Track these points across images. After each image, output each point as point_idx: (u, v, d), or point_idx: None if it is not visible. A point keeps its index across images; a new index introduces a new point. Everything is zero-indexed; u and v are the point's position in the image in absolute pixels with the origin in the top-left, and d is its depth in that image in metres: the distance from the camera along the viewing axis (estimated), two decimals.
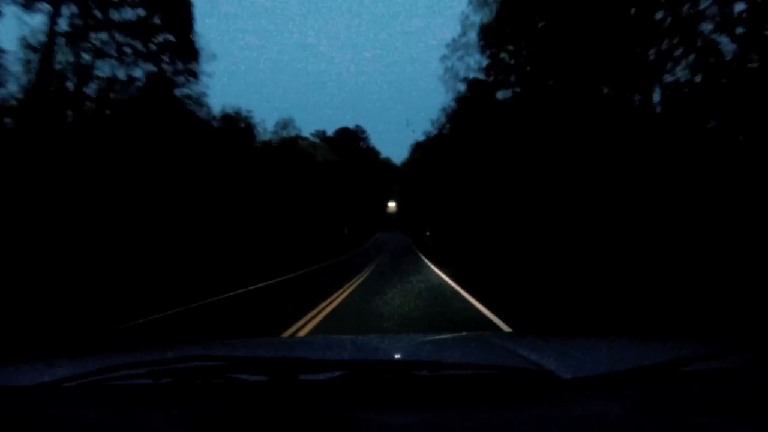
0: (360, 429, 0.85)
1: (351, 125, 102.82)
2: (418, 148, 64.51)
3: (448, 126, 37.98)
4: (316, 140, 71.96)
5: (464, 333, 2.52)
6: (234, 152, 29.13)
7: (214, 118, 29.66)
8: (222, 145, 28.25)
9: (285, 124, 47.62)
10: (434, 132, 42.12)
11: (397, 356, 1.66)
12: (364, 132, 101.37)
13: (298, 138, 59.58)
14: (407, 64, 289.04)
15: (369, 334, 6.39)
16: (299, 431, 0.87)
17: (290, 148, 45.54)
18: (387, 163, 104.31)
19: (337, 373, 1.03)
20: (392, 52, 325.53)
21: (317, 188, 47.46)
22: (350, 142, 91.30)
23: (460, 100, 32.01)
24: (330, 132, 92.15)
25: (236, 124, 34.33)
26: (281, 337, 5.71)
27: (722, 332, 5.77)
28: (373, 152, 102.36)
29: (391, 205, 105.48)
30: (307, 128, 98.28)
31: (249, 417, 0.91)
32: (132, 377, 1.08)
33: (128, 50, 19.42)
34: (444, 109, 39.65)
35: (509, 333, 5.65)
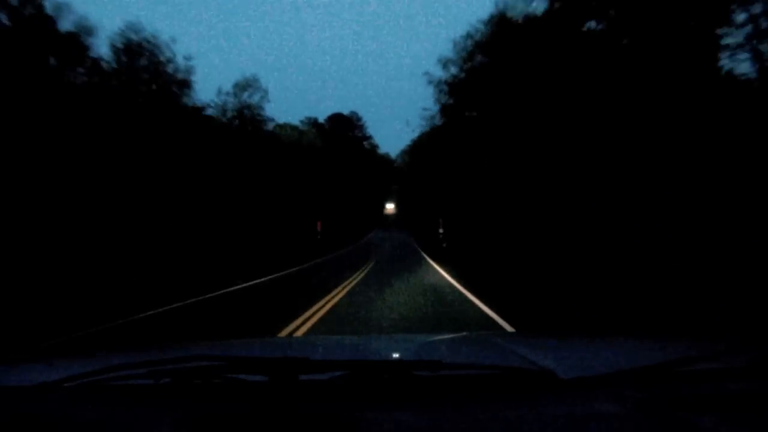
0: (360, 429, 0.85)
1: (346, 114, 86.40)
2: (418, 141, 52.94)
3: (478, 59, 23.78)
4: (305, 127, 60.22)
5: (464, 333, 2.53)
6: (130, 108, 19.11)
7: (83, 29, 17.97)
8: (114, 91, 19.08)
9: (246, 84, 33.81)
10: (459, 58, 25.93)
11: (397, 356, 1.66)
12: (359, 119, 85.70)
13: (287, 126, 49.82)
14: (408, 62, 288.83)
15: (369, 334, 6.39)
16: (299, 431, 0.87)
17: (249, 117, 34.17)
18: (386, 159, 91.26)
19: (337, 373, 1.03)
20: (393, 51, 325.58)
21: (288, 175, 36.74)
22: (344, 131, 79.24)
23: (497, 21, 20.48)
24: (322, 119, 78.45)
25: (141, 59, 21.90)
26: (281, 337, 5.71)
27: (722, 332, 5.77)
28: (370, 144, 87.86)
29: (390, 206, 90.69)
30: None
31: (249, 417, 0.91)
32: (132, 377, 1.08)
33: None
34: (470, 36, 24.13)
35: (509, 333, 5.65)
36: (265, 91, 35.27)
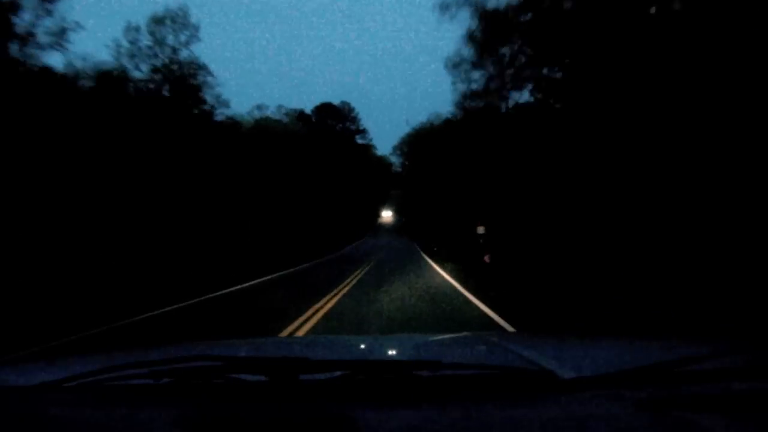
0: (360, 429, 0.85)
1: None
2: (422, 129, 46.46)
3: None
4: (287, 119, 51.42)
5: (465, 333, 2.53)
6: None
7: None
8: None
9: (166, 17, 23.31)
10: None
11: (397, 356, 1.67)
12: (352, 110, 74.09)
13: (269, 119, 42.89)
14: (408, 62, 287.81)
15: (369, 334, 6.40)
16: (299, 431, 0.87)
17: (178, 71, 23.37)
18: (384, 162, 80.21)
19: (337, 373, 1.03)
20: (393, 49, 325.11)
21: (244, 166, 27.97)
22: (333, 122, 69.84)
23: None
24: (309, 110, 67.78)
25: None
26: (281, 337, 5.72)
27: (722, 332, 5.77)
28: (364, 139, 76.25)
29: (387, 214, 78.63)
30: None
31: (249, 417, 0.92)
32: (132, 377, 1.08)
33: None
34: None
35: (509, 333, 5.66)
36: (195, 28, 24.31)
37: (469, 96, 24.11)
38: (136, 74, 22.94)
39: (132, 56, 22.62)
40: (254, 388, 1.03)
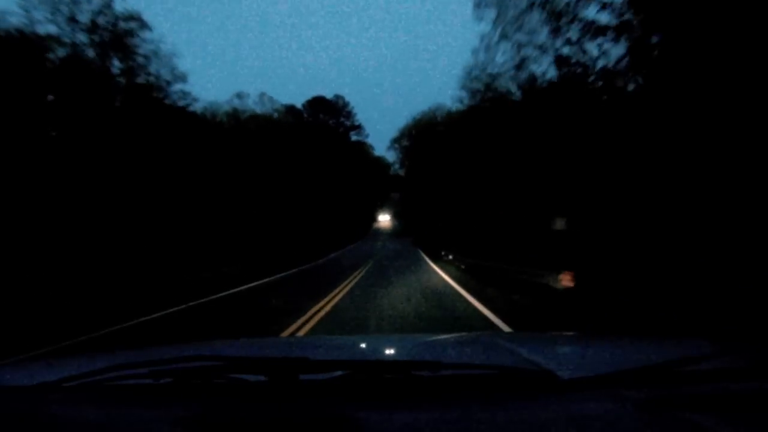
0: (360, 429, 0.85)
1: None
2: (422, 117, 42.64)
3: None
4: (277, 115, 45.97)
5: (464, 333, 2.53)
6: None
7: None
8: None
9: None
10: None
11: (397, 356, 1.67)
12: (346, 105, 67.43)
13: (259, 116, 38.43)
14: (408, 60, 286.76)
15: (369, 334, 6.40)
16: (299, 431, 0.87)
17: (111, 30, 17.57)
18: (382, 163, 72.86)
19: (337, 373, 1.03)
20: (395, 54, 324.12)
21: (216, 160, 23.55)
22: (326, 117, 64.47)
23: None
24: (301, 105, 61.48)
25: None
26: (281, 337, 5.72)
27: (722, 332, 5.77)
28: (359, 135, 68.97)
29: (384, 218, 72.68)
30: None
31: (249, 417, 0.92)
32: (132, 377, 1.08)
33: None
34: None
35: (509, 333, 5.66)
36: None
37: (503, 33, 15.86)
38: (51, 30, 16.86)
39: (54, 12, 16.52)
40: (254, 388, 1.04)
